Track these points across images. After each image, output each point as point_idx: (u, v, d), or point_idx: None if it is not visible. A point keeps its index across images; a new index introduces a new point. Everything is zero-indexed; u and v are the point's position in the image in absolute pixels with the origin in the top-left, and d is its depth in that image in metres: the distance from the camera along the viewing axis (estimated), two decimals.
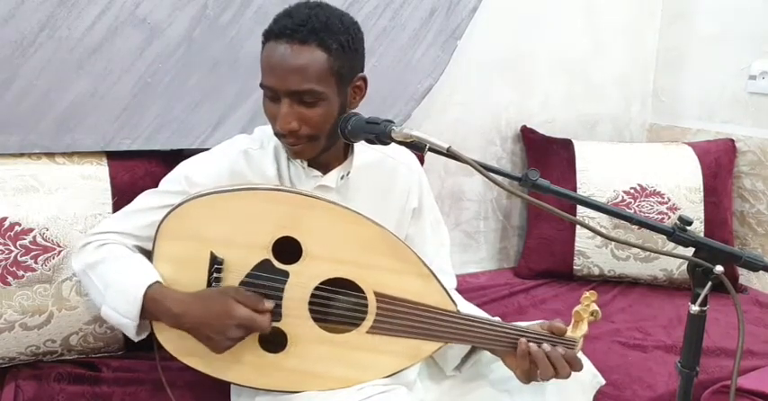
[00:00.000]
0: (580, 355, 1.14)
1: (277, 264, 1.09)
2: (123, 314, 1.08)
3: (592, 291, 1.15)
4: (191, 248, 1.09)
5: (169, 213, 1.10)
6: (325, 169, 1.19)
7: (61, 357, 1.39)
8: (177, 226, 1.10)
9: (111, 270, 1.12)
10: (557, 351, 1.09)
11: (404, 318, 1.11)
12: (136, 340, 1.12)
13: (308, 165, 1.18)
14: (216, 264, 1.09)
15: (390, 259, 1.11)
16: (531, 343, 1.09)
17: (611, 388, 1.42)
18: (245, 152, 1.19)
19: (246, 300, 1.05)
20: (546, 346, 1.09)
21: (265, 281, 1.09)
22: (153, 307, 1.06)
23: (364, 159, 1.23)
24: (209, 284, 1.09)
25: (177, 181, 1.18)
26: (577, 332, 1.15)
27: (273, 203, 1.09)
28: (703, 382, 1.45)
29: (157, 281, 1.08)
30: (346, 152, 1.22)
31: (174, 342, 1.10)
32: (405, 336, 1.11)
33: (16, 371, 1.33)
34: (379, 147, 1.12)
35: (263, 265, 1.09)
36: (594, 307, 1.15)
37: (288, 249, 1.09)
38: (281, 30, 1.05)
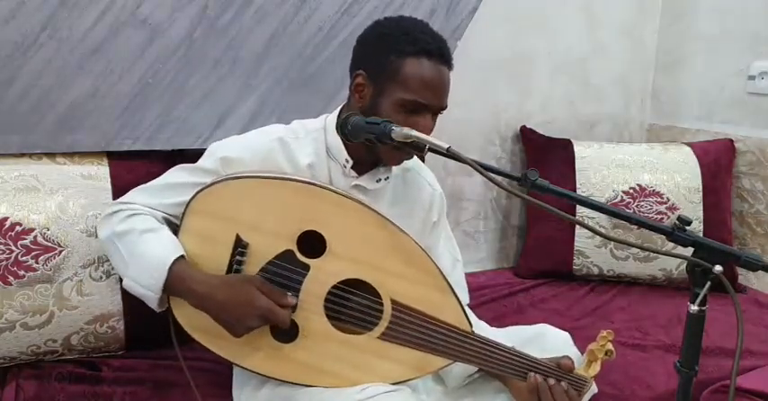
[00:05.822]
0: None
1: (300, 257, 1.09)
2: (146, 286, 1.08)
3: (609, 331, 1.15)
4: (218, 227, 1.10)
5: (202, 189, 1.11)
6: (362, 171, 1.20)
7: (62, 356, 1.39)
8: (208, 203, 1.11)
9: (138, 241, 1.11)
10: (560, 387, 1.11)
11: (417, 330, 1.11)
12: (158, 311, 1.12)
13: (352, 167, 1.18)
14: (240, 247, 1.09)
15: (412, 269, 1.11)
16: (539, 377, 1.11)
17: (610, 388, 1.42)
18: (281, 139, 1.19)
19: (270, 293, 1.06)
20: (551, 381, 1.11)
21: (285, 272, 1.10)
22: (178, 284, 1.07)
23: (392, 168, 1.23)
24: (230, 265, 1.10)
25: (211, 159, 1.17)
26: (590, 371, 1.15)
27: (306, 196, 1.10)
28: (702, 382, 1.45)
29: (182, 256, 1.08)
30: None
31: (188, 317, 1.11)
32: (415, 348, 1.11)
33: (17, 371, 1.33)
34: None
35: (286, 255, 1.09)
36: (610, 346, 1.15)
37: (312, 243, 1.09)
38: (436, 50, 1.09)
